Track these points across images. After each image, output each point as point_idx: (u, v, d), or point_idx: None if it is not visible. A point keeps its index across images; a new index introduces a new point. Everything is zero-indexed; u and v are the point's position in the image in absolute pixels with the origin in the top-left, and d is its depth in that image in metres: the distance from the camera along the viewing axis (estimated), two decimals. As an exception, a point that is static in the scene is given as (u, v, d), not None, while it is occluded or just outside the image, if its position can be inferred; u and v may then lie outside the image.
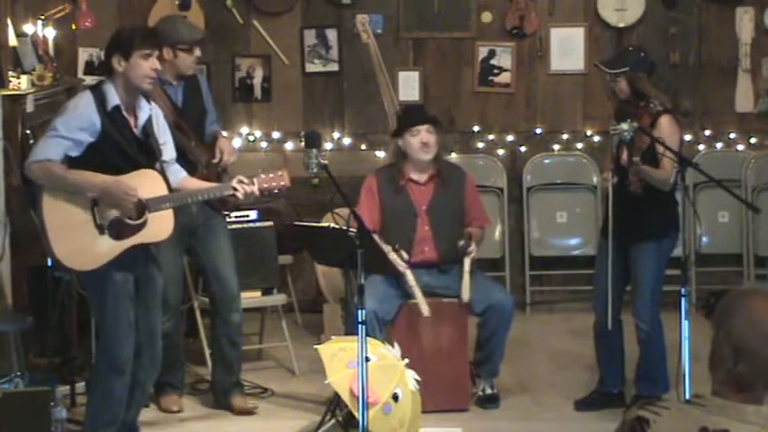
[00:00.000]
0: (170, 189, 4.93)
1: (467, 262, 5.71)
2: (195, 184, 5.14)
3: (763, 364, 2.45)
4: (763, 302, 2.48)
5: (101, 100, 4.82)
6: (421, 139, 5.82)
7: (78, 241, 4.79)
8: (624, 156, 5.40)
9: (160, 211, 4.87)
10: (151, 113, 4.97)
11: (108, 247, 4.81)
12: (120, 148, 4.82)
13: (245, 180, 4.97)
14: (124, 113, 4.86)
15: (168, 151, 5.04)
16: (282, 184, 4.99)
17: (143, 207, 4.84)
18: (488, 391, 5.85)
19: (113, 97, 4.83)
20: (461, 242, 5.72)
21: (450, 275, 5.81)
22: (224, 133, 6.14)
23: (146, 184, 4.86)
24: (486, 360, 5.83)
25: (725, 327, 2.48)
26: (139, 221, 4.84)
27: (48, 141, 4.78)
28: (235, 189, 4.95)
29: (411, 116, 5.98)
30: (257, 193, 4.97)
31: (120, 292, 4.86)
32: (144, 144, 4.91)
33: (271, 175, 4.99)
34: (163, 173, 4.93)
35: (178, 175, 5.09)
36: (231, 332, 5.82)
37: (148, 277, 5.01)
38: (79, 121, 4.78)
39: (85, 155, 4.79)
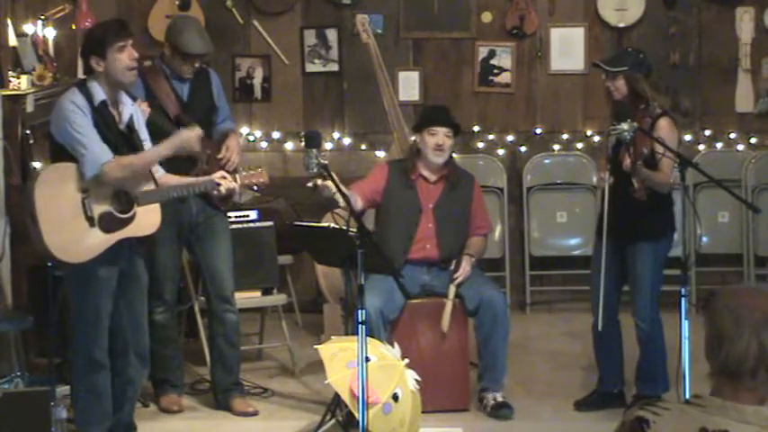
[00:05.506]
0: (156, 185, 4.99)
1: (452, 290, 5.72)
2: (174, 180, 5.16)
3: (742, 347, 2.46)
4: (746, 293, 2.52)
5: (87, 96, 4.85)
6: (437, 141, 5.81)
7: (70, 233, 4.80)
8: (627, 162, 5.38)
9: (148, 204, 4.92)
10: (132, 109, 5.01)
11: (98, 240, 4.83)
12: (107, 142, 4.85)
13: (228, 176, 5.12)
14: (110, 108, 4.91)
15: (148, 148, 5.07)
16: (262, 180, 5.28)
17: (132, 200, 4.89)
18: (499, 398, 5.74)
19: (99, 93, 4.86)
20: (452, 266, 5.75)
21: (449, 274, 5.81)
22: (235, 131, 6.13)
23: (134, 178, 4.92)
24: (489, 369, 5.75)
25: (711, 318, 2.52)
26: (128, 215, 4.88)
27: (88, 149, 4.77)
28: (218, 184, 5.08)
29: (434, 115, 5.94)
30: (238, 189, 5.19)
31: (102, 288, 4.89)
32: (128, 138, 4.95)
33: (251, 172, 5.27)
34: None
35: (157, 172, 5.10)
36: (228, 332, 5.81)
37: (132, 274, 5.03)
38: (83, 117, 4.80)
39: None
